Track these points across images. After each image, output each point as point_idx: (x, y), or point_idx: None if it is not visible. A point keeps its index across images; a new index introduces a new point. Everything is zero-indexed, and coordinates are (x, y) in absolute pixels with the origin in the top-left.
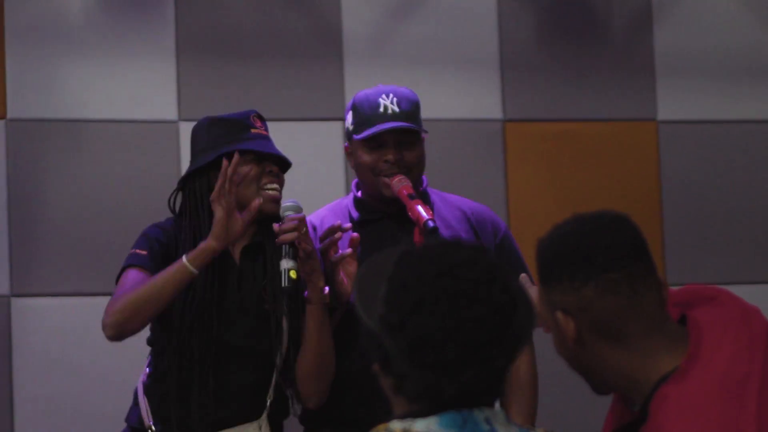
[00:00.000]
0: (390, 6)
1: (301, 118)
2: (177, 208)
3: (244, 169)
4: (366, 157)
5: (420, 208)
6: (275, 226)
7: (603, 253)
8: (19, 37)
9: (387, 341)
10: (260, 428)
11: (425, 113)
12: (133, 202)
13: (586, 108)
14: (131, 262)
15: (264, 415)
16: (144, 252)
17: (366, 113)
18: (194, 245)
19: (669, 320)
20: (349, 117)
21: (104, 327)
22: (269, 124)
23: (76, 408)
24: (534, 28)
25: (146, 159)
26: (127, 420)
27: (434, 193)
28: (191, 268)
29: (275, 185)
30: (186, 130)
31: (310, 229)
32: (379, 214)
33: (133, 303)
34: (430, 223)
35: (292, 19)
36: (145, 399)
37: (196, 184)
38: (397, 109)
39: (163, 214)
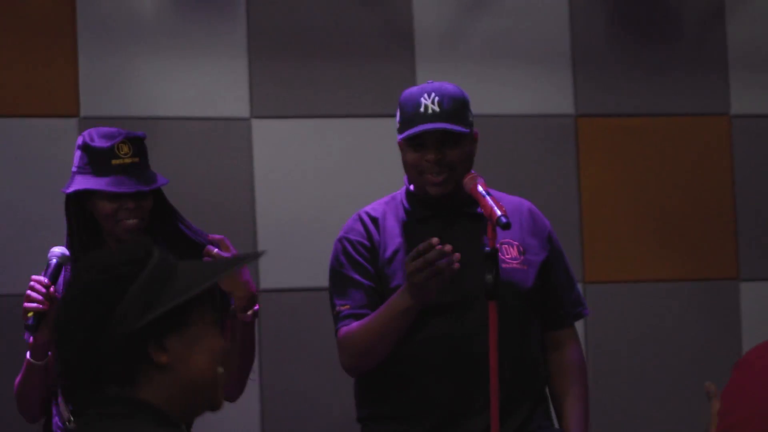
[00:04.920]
0: (461, 3)
1: (373, 114)
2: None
3: (103, 206)
4: (410, 156)
5: (492, 204)
6: None
7: None
8: (92, 36)
9: None
10: None
11: (496, 109)
12: (205, 199)
13: (658, 103)
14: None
15: None
16: None
17: (408, 112)
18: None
19: None
20: (397, 115)
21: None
22: (341, 121)
23: None
24: (606, 22)
25: (219, 156)
26: None
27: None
28: (34, 361)
29: (131, 221)
30: (258, 127)
31: (370, 224)
32: (429, 212)
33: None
34: (503, 219)
35: (364, 16)
36: None
37: (69, 206)
38: (437, 109)
39: (235, 210)
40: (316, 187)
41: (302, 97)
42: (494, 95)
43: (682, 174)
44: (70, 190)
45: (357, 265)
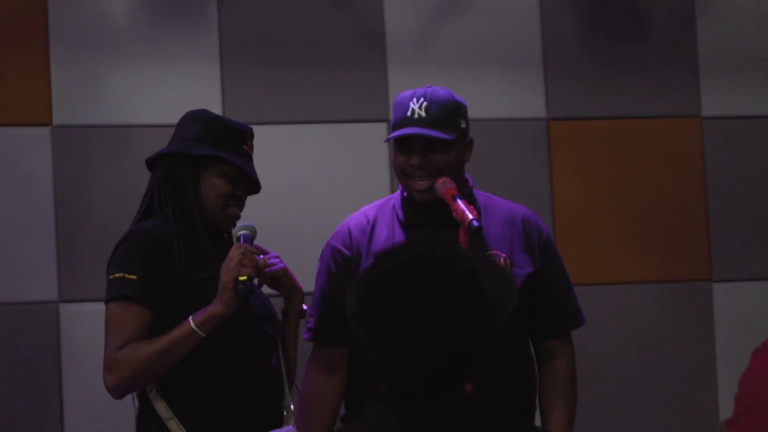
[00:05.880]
0: (432, 7)
1: (346, 120)
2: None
3: (221, 184)
4: (397, 159)
5: (464, 208)
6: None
7: None
8: (64, 44)
9: (361, 335)
10: None
11: (468, 113)
12: None
13: (630, 105)
14: (121, 294)
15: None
16: (133, 277)
17: (397, 115)
18: (190, 241)
19: None
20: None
21: (109, 388)
22: (314, 127)
23: (125, 412)
24: (577, 26)
25: None
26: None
27: (480, 195)
28: (201, 333)
29: (235, 210)
30: None
31: (357, 231)
32: (420, 219)
33: (138, 367)
34: (475, 223)
35: (335, 21)
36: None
37: (180, 168)
38: (423, 114)
39: None
40: (289, 192)
41: (275, 103)
42: (466, 99)
43: (654, 176)
44: (201, 152)
45: (330, 276)
